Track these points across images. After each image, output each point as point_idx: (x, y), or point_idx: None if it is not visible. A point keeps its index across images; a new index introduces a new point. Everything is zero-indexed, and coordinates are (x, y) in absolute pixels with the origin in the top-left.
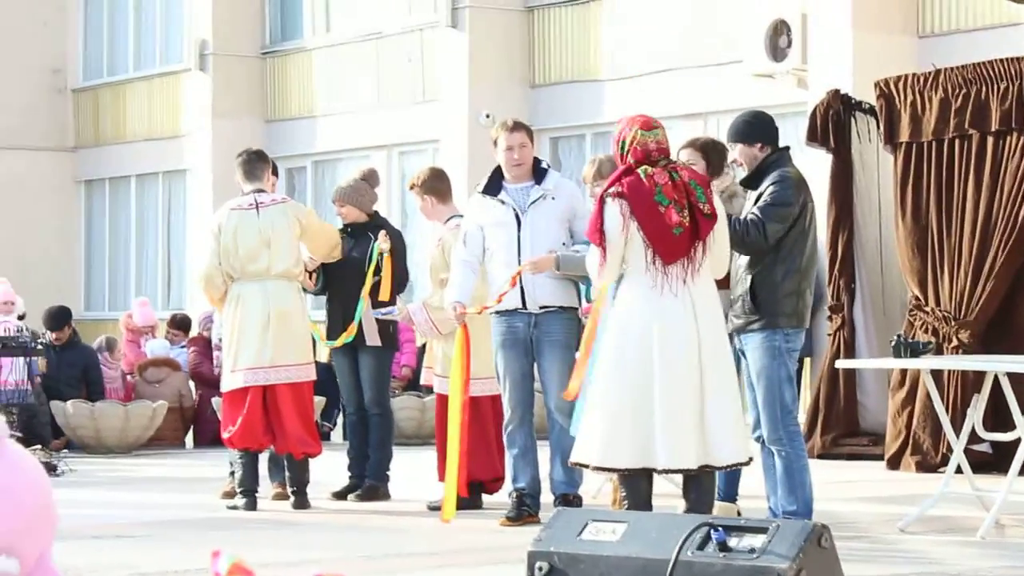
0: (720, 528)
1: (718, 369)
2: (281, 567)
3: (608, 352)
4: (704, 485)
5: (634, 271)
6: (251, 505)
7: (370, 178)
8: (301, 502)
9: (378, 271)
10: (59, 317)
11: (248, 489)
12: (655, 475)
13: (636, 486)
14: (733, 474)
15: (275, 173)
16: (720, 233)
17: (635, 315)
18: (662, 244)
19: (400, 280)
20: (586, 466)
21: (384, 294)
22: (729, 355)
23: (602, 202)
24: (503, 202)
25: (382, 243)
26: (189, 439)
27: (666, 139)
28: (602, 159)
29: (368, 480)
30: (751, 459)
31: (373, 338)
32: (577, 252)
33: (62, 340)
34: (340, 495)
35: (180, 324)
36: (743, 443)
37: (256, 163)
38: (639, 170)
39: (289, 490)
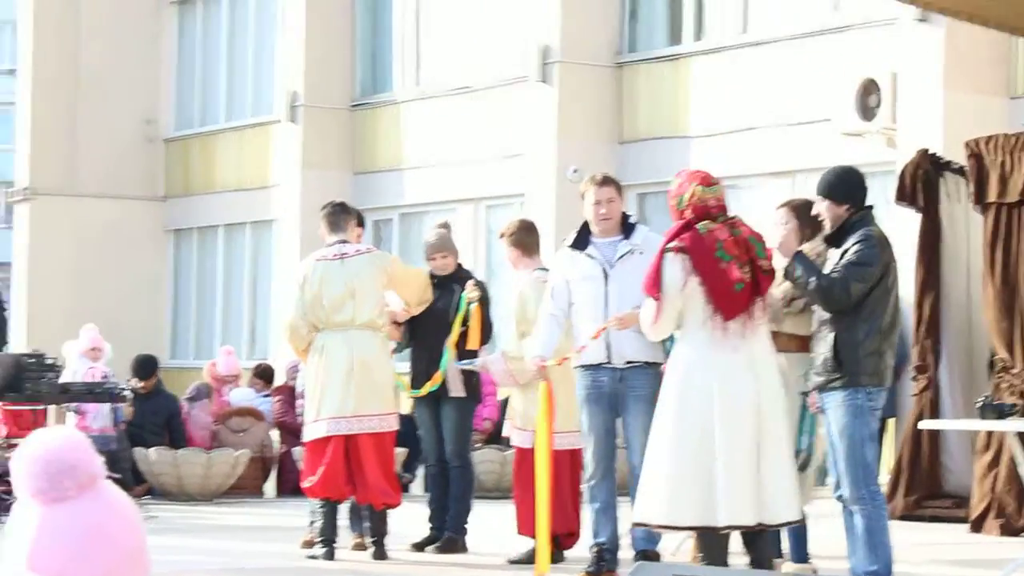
0: None
1: (775, 426)
2: None
3: (668, 408)
4: (764, 541)
5: (693, 326)
6: (330, 555)
7: (449, 229)
8: (380, 553)
9: (466, 321)
10: (147, 365)
11: (327, 539)
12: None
13: (712, 542)
14: (801, 536)
15: (361, 224)
16: None
17: (695, 371)
18: (724, 300)
19: (486, 331)
20: (647, 525)
21: (473, 342)
22: (785, 412)
23: (662, 256)
24: (591, 256)
25: (471, 292)
26: (270, 488)
27: (724, 195)
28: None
29: (447, 532)
30: (805, 517)
31: (457, 389)
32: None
33: (148, 388)
34: (419, 547)
35: (263, 374)
36: (796, 501)
37: (340, 215)
38: (699, 226)
39: (368, 540)
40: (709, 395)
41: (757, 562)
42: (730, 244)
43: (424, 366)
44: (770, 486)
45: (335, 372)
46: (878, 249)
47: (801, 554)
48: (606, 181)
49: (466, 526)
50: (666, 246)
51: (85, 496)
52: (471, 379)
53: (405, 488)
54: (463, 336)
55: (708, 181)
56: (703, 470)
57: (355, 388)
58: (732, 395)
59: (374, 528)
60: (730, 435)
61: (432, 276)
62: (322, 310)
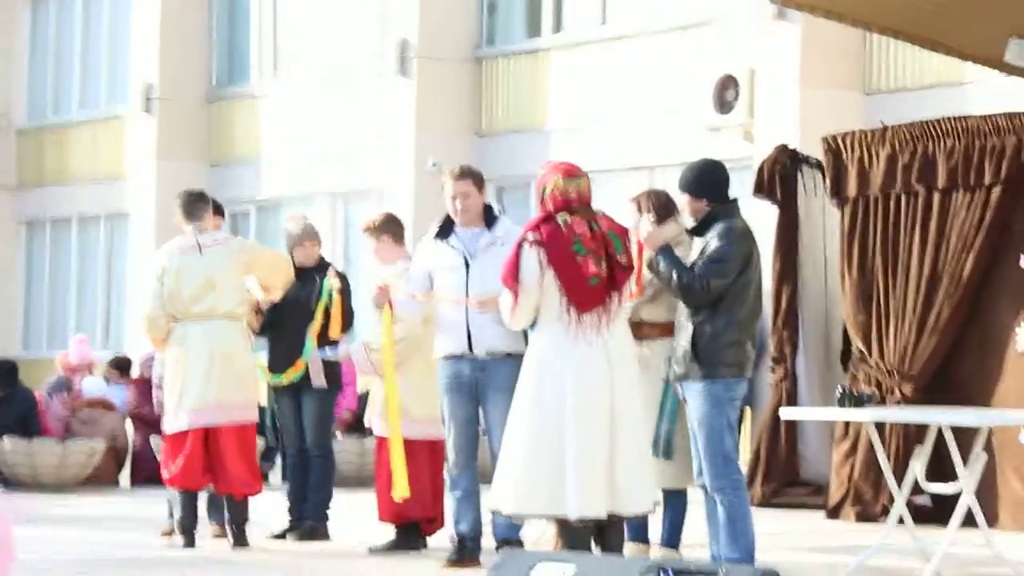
0: (670, 571)
1: (629, 418)
2: None
3: (523, 398)
4: (616, 531)
5: (549, 318)
6: (190, 543)
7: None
8: (240, 541)
9: (327, 309)
10: (9, 374)
11: (187, 528)
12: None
13: (571, 531)
14: (676, 523)
15: (220, 213)
16: None
17: (550, 363)
18: (577, 294)
19: (347, 320)
20: (499, 513)
21: (334, 332)
22: (640, 405)
23: (519, 248)
24: (453, 246)
25: (332, 280)
26: (124, 478)
27: (588, 188)
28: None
29: (308, 521)
30: (656, 506)
31: (319, 379)
32: None
33: (4, 394)
34: (280, 536)
35: (119, 365)
36: (650, 492)
37: (196, 203)
38: (558, 217)
39: (229, 529)
40: (562, 387)
41: (608, 551)
42: (587, 238)
43: (284, 354)
44: (622, 478)
45: (196, 363)
46: (738, 243)
47: (672, 540)
48: (463, 175)
49: (327, 514)
50: (523, 238)
51: None
52: (332, 369)
53: (265, 477)
54: (325, 325)
55: (571, 173)
56: (554, 461)
57: (216, 379)
58: (585, 387)
59: (234, 516)
60: (582, 427)
61: (293, 265)
62: (181, 301)
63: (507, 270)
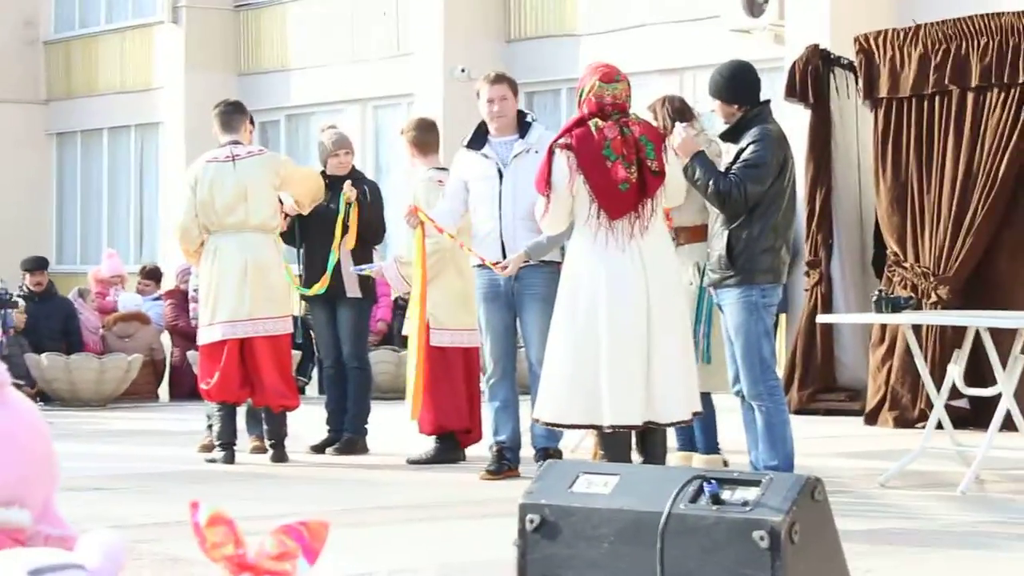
0: (713, 481)
1: (666, 326)
2: (260, 520)
3: (560, 307)
4: (655, 439)
5: (581, 225)
6: (229, 458)
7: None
8: (279, 455)
9: (346, 223)
10: (37, 261)
11: (226, 442)
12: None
13: (611, 440)
14: (708, 426)
15: (252, 124)
16: (672, 172)
17: (582, 270)
18: (607, 199)
19: (377, 231)
20: (538, 422)
21: (349, 243)
22: (680, 312)
23: (551, 153)
24: (486, 156)
25: (348, 192)
26: (163, 392)
27: (625, 93)
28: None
29: (347, 433)
30: (696, 414)
31: (353, 289)
32: (543, 239)
33: (42, 285)
34: (318, 448)
35: (151, 275)
36: (687, 400)
37: (234, 114)
38: (590, 122)
39: (267, 443)
40: (596, 294)
41: (649, 460)
42: (618, 143)
43: (317, 267)
44: (659, 385)
45: (229, 275)
46: (773, 147)
47: (710, 445)
48: (499, 79)
49: (366, 427)
50: (554, 142)
51: None
52: (367, 280)
53: (300, 391)
54: (359, 239)
55: (609, 77)
56: (589, 370)
57: (249, 291)
58: (618, 294)
59: (272, 431)
60: (616, 334)
61: (325, 176)
62: (214, 212)
63: (539, 175)
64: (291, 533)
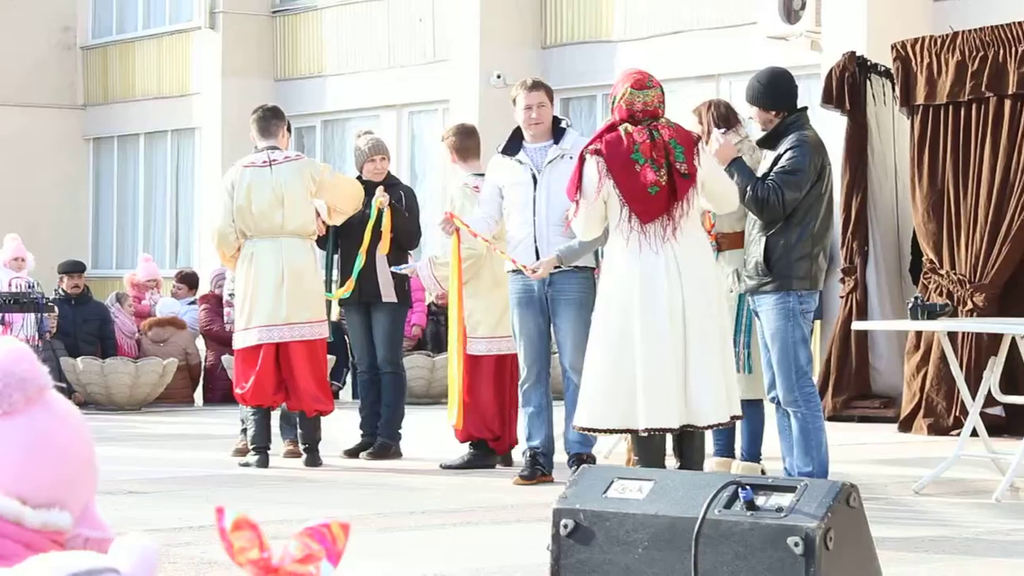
0: (748, 487)
1: (702, 328)
2: (294, 524)
3: (597, 312)
4: (693, 443)
5: (615, 229)
6: (263, 462)
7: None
8: (313, 459)
9: (377, 228)
10: (75, 265)
11: (260, 446)
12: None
13: (646, 444)
14: (755, 434)
15: (288, 130)
16: (711, 177)
17: (616, 274)
18: (637, 203)
19: (411, 236)
20: (576, 427)
21: (383, 248)
22: (716, 314)
23: (582, 159)
24: (521, 162)
25: (380, 198)
26: (199, 397)
27: (658, 99)
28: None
29: (381, 438)
30: (735, 417)
31: (389, 294)
32: (575, 243)
33: (79, 288)
34: (352, 453)
35: (186, 279)
36: (726, 403)
37: (271, 120)
38: (620, 128)
39: (301, 447)
40: (630, 298)
41: (685, 464)
42: (646, 147)
43: (351, 273)
44: (696, 389)
45: (265, 280)
46: (811, 154)
47: (752, 452)
48: (536, 85)
49: (400, 432)
50: (585, 149)
51: (34, 408)
52: (402, 284)
53: (335, 395)
54: (393, 244)
55: (641, 84)
56: (624, 373)
57: (286, 296)
58: (652, 297)
59: (306, 435)
60: (649, 339)
61: (361, 181)
62: (251, 217)
63: (571, 181)
64: (315, 535)
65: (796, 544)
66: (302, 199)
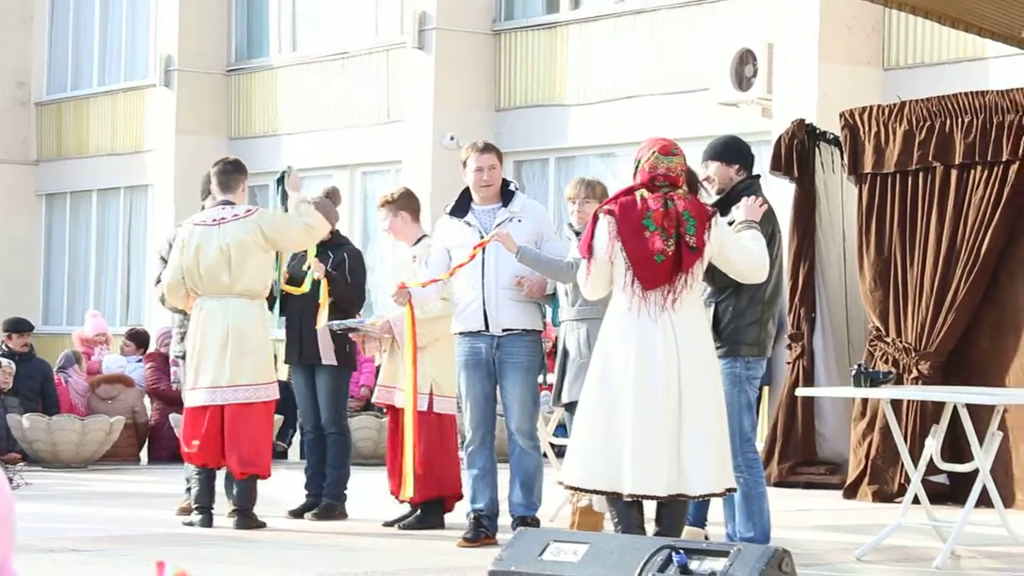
0: (681, 551)
1: (698, 398)
2: None
3: (592, 369)
4: (674, 512)
5: (619, 292)
6: (206, 522)
7: (334, 196)
8: (243, 522)
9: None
10: (21, 323)
11: (203, 506)
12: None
13: (621, 509)
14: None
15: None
16: (729, 249)
17: (614, 336)
18: (642, 269)
19: (352, 301)
20: (562, 484)
21: (319, 322)
22: (713, 385)
23: (596, 218)
24: (469, 224)
25: (315, 272)
26: (144, 455)
27: (681, 168)
28: (589, 180)
29: (325, 499)
30: (730, 490)
31: (329, 356)
32: (542, 254)
33: (27, 348)
34: (297, 513)
35: (135, 337)
36: (720, 473)
37: (232, 174)
38: (637, 192)
39: (230, 509)
40: (627, 362)
41: (664, 532)
42: (659, 215)
43: (296, 335)
44: (691, 457)
45: (211, 340)
46: (765, 221)
47: (699, 517)
48: (487, 148)
49: (345, 492)
50: (599, 208)
51: None
52: (345, 346)
53: (282, 455)
54: (334, 308)
55: (667, 151)
56: (615, 436)
57: (229, 358)
58: (647, 363)
59: (238, 497)
60: (642, 403)
61: None
62: (199, 277)
63: (583, 239)
64: None
65: None
66: (249, 257)
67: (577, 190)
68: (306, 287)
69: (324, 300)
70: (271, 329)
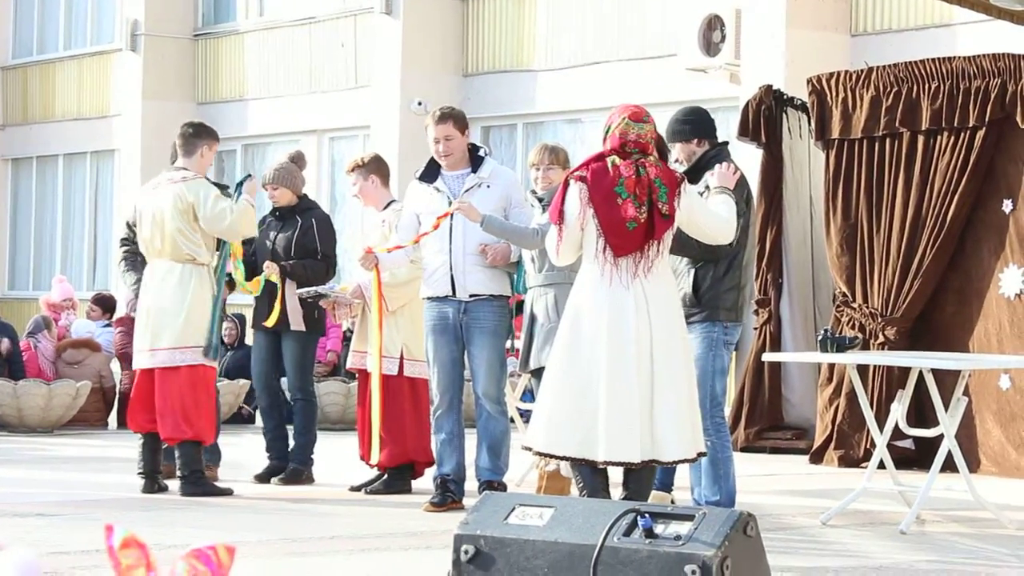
0: (647, 515)
1: (670, 365)
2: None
3: (561, 336)
4: (642, 477)
5: (588, 258)
6: (149, 487)
7: (299, 160)
8: (187, 489)
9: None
10: None
11: (142, 471)
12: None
13: (587, 474)
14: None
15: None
16: (698, 213)
17: (586, 303)
18: (614, 236)
19: (315, 282)
20: (530, 450)
21: (271, 322)
22: (683, 352)
23: (566, 184)
24: (438, 189)
25: (268, 269)
26: (112, 420)
27: (651, 135)
28: (553, 146)
29: (292, 464)
30: (701, 454)
31: (297, 322)
32: (507, 222)
33: None
34: (262, 478)
35: (101, 302)
36: (692, 440)
37: (192, 139)
38: (608, 159)
39: (177, 474)
40: (598, 329)
41: (632, 497)
42: (631, 182)
43: (265, 300)
44: (662, 424)
45: (143, 305)
46: (738, 186)
47: (666, 482)
48: (443, 118)
49: (312, 457)
50: (570, 174)
51: None
52: (313, 312)
53: (248, 419)
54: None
55: (638, 117)
56: (587, 404)
57: (152, 322)
58: (619, 331)
59: (178, 463)
60: (615, 370)
61: (274, 209)
62: (142, 241)
63: (553, 205)
64: (201, 557)
65: (693, 572)
66: (176, 222)
67: (540, 156)
68: (259, 288)
69: (278, 303)
70: (222, 293)
